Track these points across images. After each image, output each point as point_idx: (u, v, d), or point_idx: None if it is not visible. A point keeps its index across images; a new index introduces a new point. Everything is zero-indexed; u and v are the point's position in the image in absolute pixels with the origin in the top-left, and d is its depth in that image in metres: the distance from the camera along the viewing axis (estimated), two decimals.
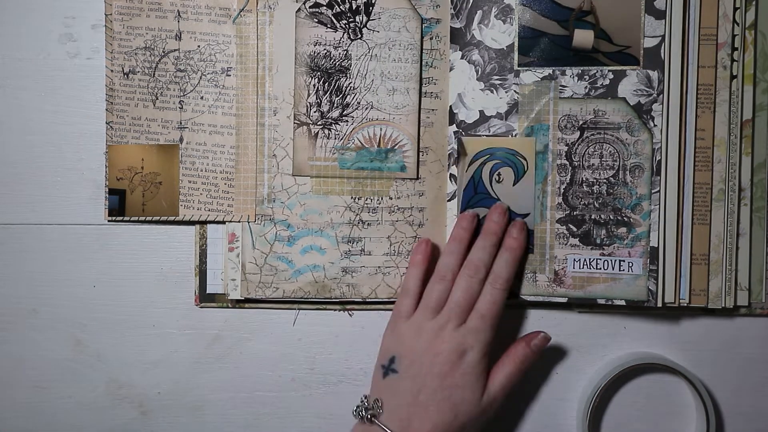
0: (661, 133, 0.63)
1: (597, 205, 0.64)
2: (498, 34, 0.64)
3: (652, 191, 0.63)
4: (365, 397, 0.61)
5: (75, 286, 0.67)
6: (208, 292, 0.66)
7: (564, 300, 0.64)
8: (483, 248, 0.62)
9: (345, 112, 0.64)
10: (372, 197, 0.65)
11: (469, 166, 0.65)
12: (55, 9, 0.66)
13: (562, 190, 0.64)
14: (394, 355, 0.61)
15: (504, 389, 0.61)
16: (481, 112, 0.64)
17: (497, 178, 0.64)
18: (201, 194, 0.65)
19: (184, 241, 0.67)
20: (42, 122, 0.67)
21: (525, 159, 0.64)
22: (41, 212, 0.67)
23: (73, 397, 0.68)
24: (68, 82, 0.66)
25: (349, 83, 0.64)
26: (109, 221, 0.65)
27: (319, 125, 0.64)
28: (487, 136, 0.64)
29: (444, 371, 0.59)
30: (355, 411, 0.60)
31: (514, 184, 0.64)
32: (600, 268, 0.64)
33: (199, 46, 0.64)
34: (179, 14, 0.64)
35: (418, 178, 0.65)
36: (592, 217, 0.64)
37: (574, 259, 0.64)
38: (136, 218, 0.65)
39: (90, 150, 0.66)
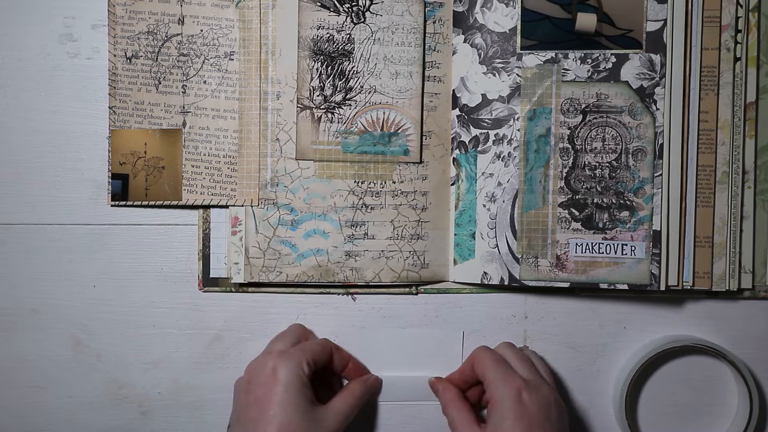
0: (664, 117, 0.63)
1: (599, 189, 0.64)
2: (501, 17, 0.63)
3: (655, 175, 0.63)
4: None
5: (75, 286, 0.67)
6: (211, 276, 0.66)
7: (566, 285, 0.64)
8: None
9: (348, 96, 0.64)
10: (375, 181, 0.65)
11: None
12: (55, 9, 0.66)
13: (564, 174, 0.64)
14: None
15: (344, 417, 0.61)
16: (484, 96, 0.64)
17: None
18: (204, 179, 0.65)
19: (184, 241, 0.66)
20: (42, 122, 0.66)
21: None
22: (41, 212, 0.66)
23: (73, 397, 0.67)
24: (68, 82, 0.66)
25: (352, 67, 0.64)
26: (112, 206, 0.65)
27: (322, 109, 0.64)
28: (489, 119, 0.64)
29: (259, 396, 0.59)
30: None
31: None
32: (602, 253, 0.64)
33: (201, 31, 0.64)
34: None
35: (421, 162, 0.65)
36: (595, 201, 0.64)
37: (576, 244, 0.64)
38: (139, 203, 0.65)
39: (90, 150, 0.66)
